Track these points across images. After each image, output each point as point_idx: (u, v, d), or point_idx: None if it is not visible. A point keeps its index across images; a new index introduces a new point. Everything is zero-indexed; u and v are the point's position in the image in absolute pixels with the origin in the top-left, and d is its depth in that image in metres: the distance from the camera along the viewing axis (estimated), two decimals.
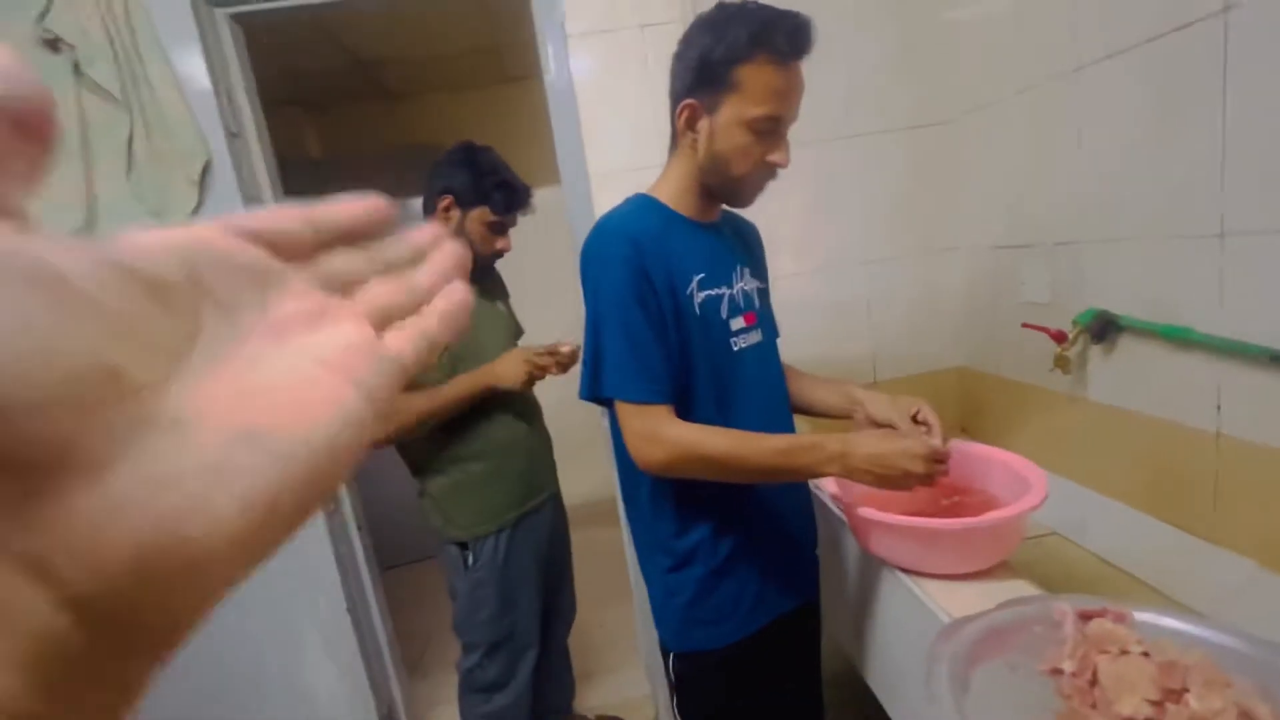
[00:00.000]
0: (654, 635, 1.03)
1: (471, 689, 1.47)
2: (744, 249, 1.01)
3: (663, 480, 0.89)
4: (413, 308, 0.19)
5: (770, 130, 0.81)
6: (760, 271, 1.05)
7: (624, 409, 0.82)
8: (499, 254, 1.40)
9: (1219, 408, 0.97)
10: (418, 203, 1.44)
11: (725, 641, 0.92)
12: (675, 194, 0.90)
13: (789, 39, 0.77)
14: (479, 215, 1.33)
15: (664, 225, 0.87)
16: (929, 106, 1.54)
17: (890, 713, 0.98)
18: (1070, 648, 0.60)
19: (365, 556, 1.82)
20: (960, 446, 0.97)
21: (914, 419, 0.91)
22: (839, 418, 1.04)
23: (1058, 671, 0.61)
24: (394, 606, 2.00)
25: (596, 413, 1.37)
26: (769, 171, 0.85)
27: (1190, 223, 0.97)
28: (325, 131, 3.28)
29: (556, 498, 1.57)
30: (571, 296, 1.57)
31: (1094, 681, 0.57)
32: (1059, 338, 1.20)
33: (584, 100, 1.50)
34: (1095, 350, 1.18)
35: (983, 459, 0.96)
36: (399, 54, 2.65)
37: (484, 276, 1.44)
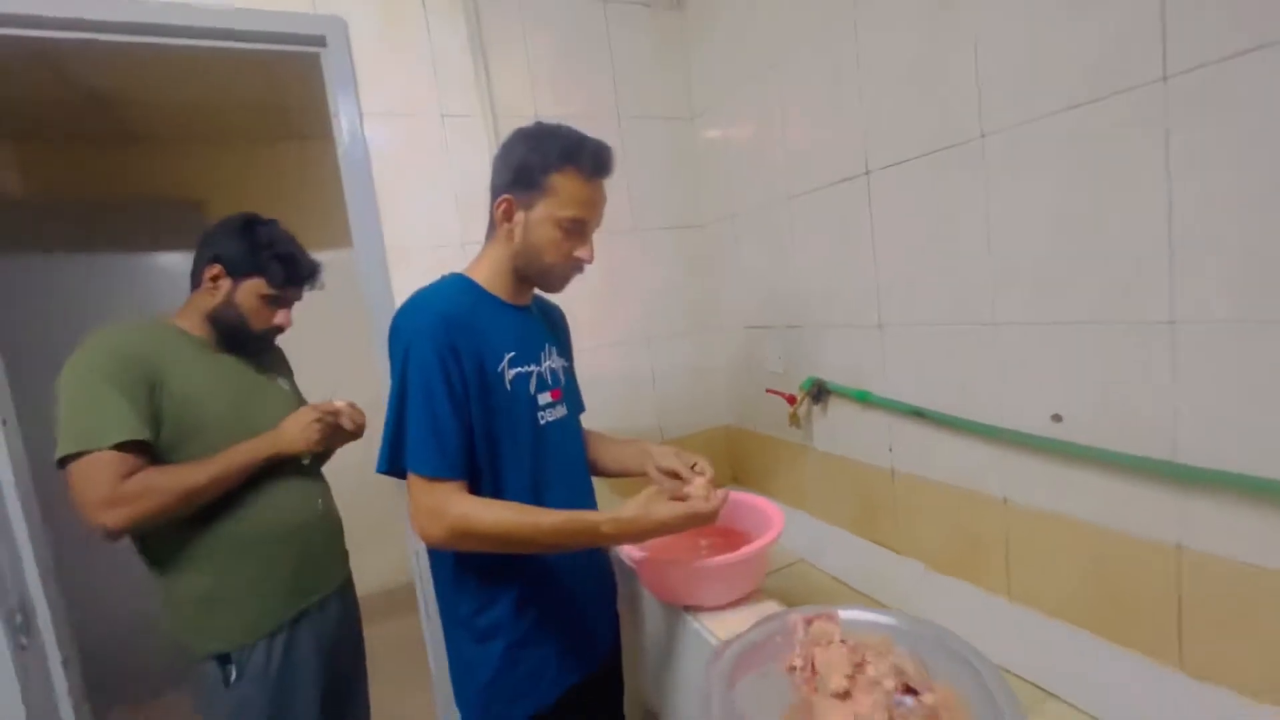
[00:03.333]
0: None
1: None
2: (551, 330, 1.13)
3: (467, 555, 0.92)
4: None
5: (577, 230, 0.95)
6: (566, 351, 1.17)
7: (416, 483, 0.85)
8: (277, 329, 1.30)
9: (890, 449, 1.34)
10: (147, 257, 1.28)
11: (529, 713, 0.95)
12: (490, 276, 0.98)
13: (593, 159, 0.94)
14: (253, 287, 1.21)
15: (476, 304, 0.94)
16: (691, 211, 1.88)
17: None
18: (799, 649, 0.78)
19: (73, 700, 1.43)
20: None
21: (693, 469, 1.09)
22: (637, 474, 1.18)
23: (792, 668, 0.78)
24: None
25: (393, 490, 1.32)
26: (576, 265, 0.99)
27: (864, 314, 1.34)
28: (37, 169, 2.68)
29: (346, 588, 1.42)
30: (364, 364, 1.54)
31: (814, 670, 0.75)
32: (791, 400, 1.52)
33: (380, 171, 1.52)
34: (815, 409, 1.53)
35: (734, 503, 1.17)
36: (146, 96, 2.34)
37: (260, 351, 1.32)
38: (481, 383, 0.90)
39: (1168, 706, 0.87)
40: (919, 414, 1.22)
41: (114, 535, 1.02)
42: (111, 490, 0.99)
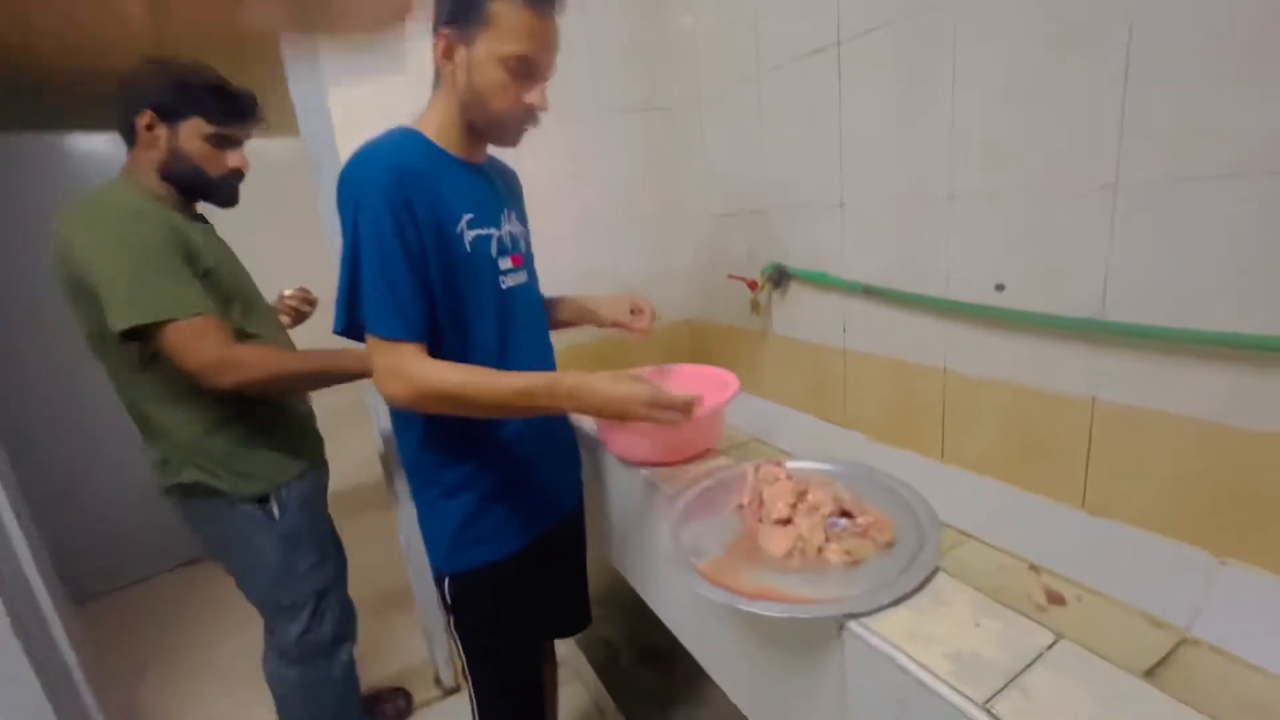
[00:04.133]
0: (429, 597, 1.08)
1: (313, 655, 1.34)
2: (509, 193, 1.09)
3: (432, 420, 0.94)
4: None
5: (525, 73, 0.88)
6: (524, 216, 1.14)
7: (374, 344, 0.84)
8: (236, 174, 1.23)
9: (844, 329, 1.39)
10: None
11: (495, 557, 1.01)
12: (440, 130, 0.93)
13: None
14: (193, 128, 1.13)
15: (430, 161, 0.89)
16: (658, 94, 1.80)
17: (645, 596, 1.20)
18: (748, 489, 0.84)
19: (51, 596, 1.45)
20: (678, 368, 1.21)
21: (632, 311, 1.13)
22: (581, 324, 1.24)
23: (740, 506, 0.84)
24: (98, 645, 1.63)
25: (358, 391, 1.34)
26: (528, 113, 0.93)
27: (827, 192, 1.34)
28: None
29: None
30: (316, 256, 1.48)
31: (760, 504, 0.81)
32: (752, 285, 1.54)
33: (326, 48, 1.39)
34: (775, 295, 1.56)
35: (695, 375, 1.21)
36: None
37: (227, 203, 1.25)
38: (440, 243, 0.87)
39: (1064, 537, 0.98)
40: (869, 291, 1.26)
41: (226, 393, 1.10)
42: (222, 353, 1.06)
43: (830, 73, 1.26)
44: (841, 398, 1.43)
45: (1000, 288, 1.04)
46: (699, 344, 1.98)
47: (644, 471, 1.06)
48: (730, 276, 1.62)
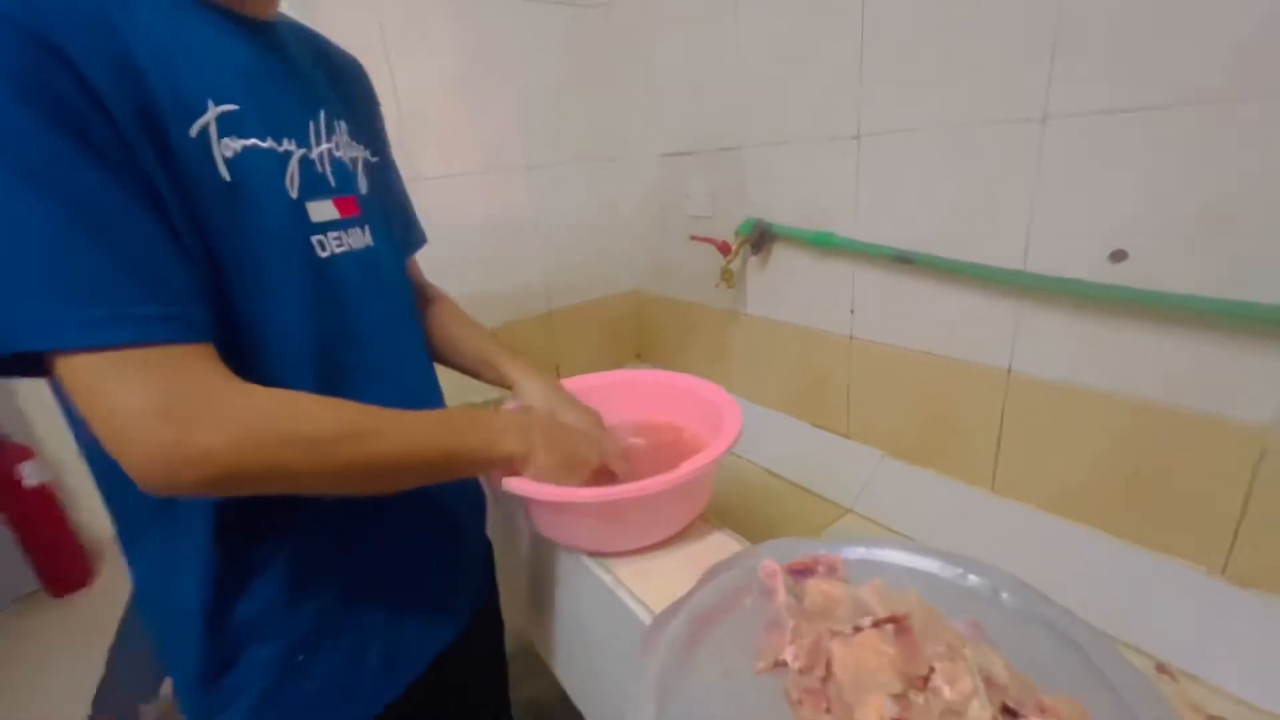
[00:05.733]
0: None
1: None
2: (334, 91, 0.61)
3: (199, 503, 0.47)
4: None
5: None
6: (369, 135, 0.66)
7: (103, 367, 0.36)
8: None
9: (852, 310, 1.02)
10: None
11: None
12: None
13: None
14: None
15: None
16: None
17: None
18: (792, 633, 0.45)
19: None
20: (627, 377, 0.80)
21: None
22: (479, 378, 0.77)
23: (781, 664, 0.45)
24: None
25: None
26: None
27: (835, 120, 0.94)
28: None
29: None
30: None
31: (828, 673, 0.42)
32: (724, 249, 1.14)
33: None
34: (753, 262, 1.16)
35: (658, 390, 0.80)
36: None
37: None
38: (152, 147, 0.40)
39: (968, 520, 0.88)
40: (905, 259, 0.89)
41: None
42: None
43: None
44: (844, 400, 1.07)
45: (1119, 257, 0.70)
46: (645, 324, 1.57)
47: (594, 566, 0.64)
48: (693, 238, 1.20)
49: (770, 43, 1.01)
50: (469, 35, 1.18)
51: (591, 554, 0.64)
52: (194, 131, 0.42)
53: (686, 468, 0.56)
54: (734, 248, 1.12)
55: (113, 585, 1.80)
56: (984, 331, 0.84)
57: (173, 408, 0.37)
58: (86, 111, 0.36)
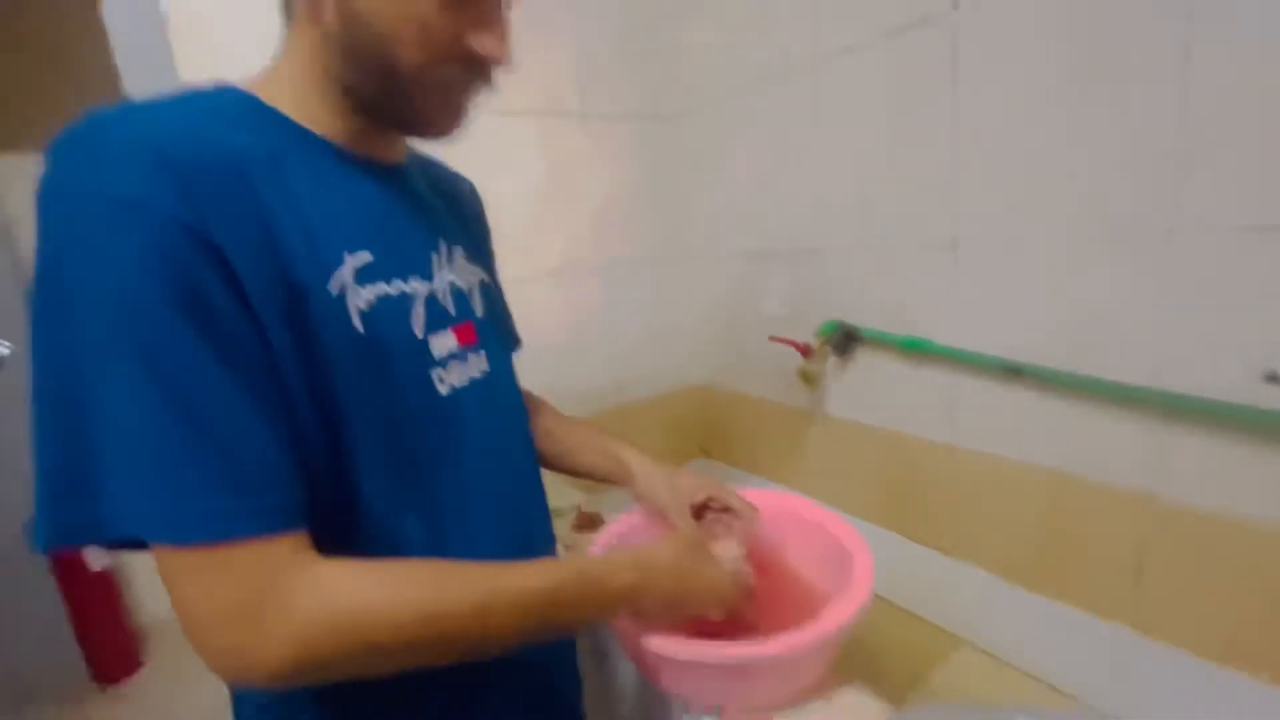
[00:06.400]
0: None
1: None
2: (455, 218, 0.62)
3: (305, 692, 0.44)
4: None
5: None
6: (482, 253, 0.67)
7: (178, 562, 0.35)
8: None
9: (953, 418, 0.96)
10: None
11: None
12: (297, 96, 0.46)
13: None
14: None
15: (272, 149, 0.42)
16: (660, 97, 1.38)
17: None
18: None
19: None
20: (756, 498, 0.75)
21: (704, 506, 0.66)
22: (603, 482, 0.74)
23: None
24: None
25: None
26: (470, 70, 0.47)
27: (928, 226, 0.93)
28: None
29: None
30: None
31: None
32: (805, 351, 1.11)
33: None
34: (834, 364, 1.13)
35: (771, 510, 0.75)
36: None
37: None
38: (292, 316, 0.40)
39: (1109, 660, 0.81)
40: (1016, 371, 0.84)
41: None
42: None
43: (938, 50, 0.87)
44: (946, 513, 1.00)
45: (1276, 378, 0.64)
46: (710, 417, 1.53)
47: None
48: (773, 339, 1.18)
49: (853, 149, 1.03)
50: (549, 154, 1.24)
51: (707, 712, 0.58)
52: (333, 290, 0.42)
53: (834, 621, 0.50)
54: (816, 349, 1.09)
55: (158, 675, 1.75)
56: (1114, 450, 0.78)
57: (241, 611, 0.35)
58: (222, 300, 0.36)
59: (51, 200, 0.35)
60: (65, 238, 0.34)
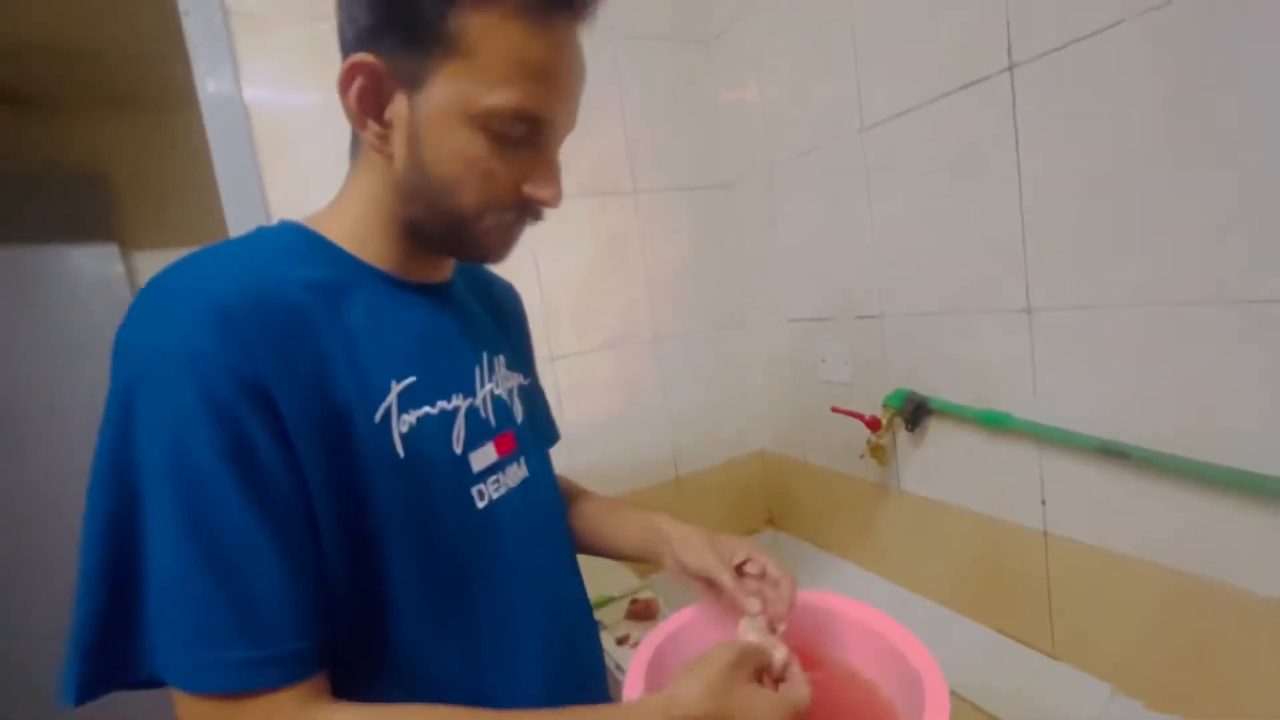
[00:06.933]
0: None
1: None
2: (496, 325, 0.64)
3: None
4: None
5: (525, 138, 0.46)
6: (522, 360, 0.68)
7: (190, 707, 0.37)
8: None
9: (1043, 501, 0.86)
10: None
11: None
12: (356, 230, 0.50)
13: None
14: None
15: (326, 288, 0.45)
16: (710, 166, 1.40)
17: None
18: None
19: None
20: (803, 597, 0.70)
21: (739, 569, 0.61)
22: (641, 560, 0.70)
23: None
24: None
25: None
26: (525, 210, 0.50)
27: (998, 291, 0.87)
28: None
29: None
30: None
31: None
32: (873, 425, 1.04)
33: (260, 120, 1.02)
34: (905, 437, 1.05)
35: (826, 611, 0.69)
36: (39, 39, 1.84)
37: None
38: (333, 450, 0.42)
39: None
40: (1116, 452, 0.75)
41: None
42: None
43: (997, 109, 0.82)
44: (1045, 609, 0.88)
45: None
46: (775, 484, 1.46)
47: None
48: (835, 410, 1.12)
49: (908, 213, 0.98)
50: (602, 229, 1.28)
51: None
52: (377, 418, 0.44)
53: None
54: (884, 423, 1.02)
55: None
56: (1243, 549, 0.66)
57: None
58: (264, 443, 0.38)
59: (123, 352, 0.39)
60: (133, 389, 0.38)
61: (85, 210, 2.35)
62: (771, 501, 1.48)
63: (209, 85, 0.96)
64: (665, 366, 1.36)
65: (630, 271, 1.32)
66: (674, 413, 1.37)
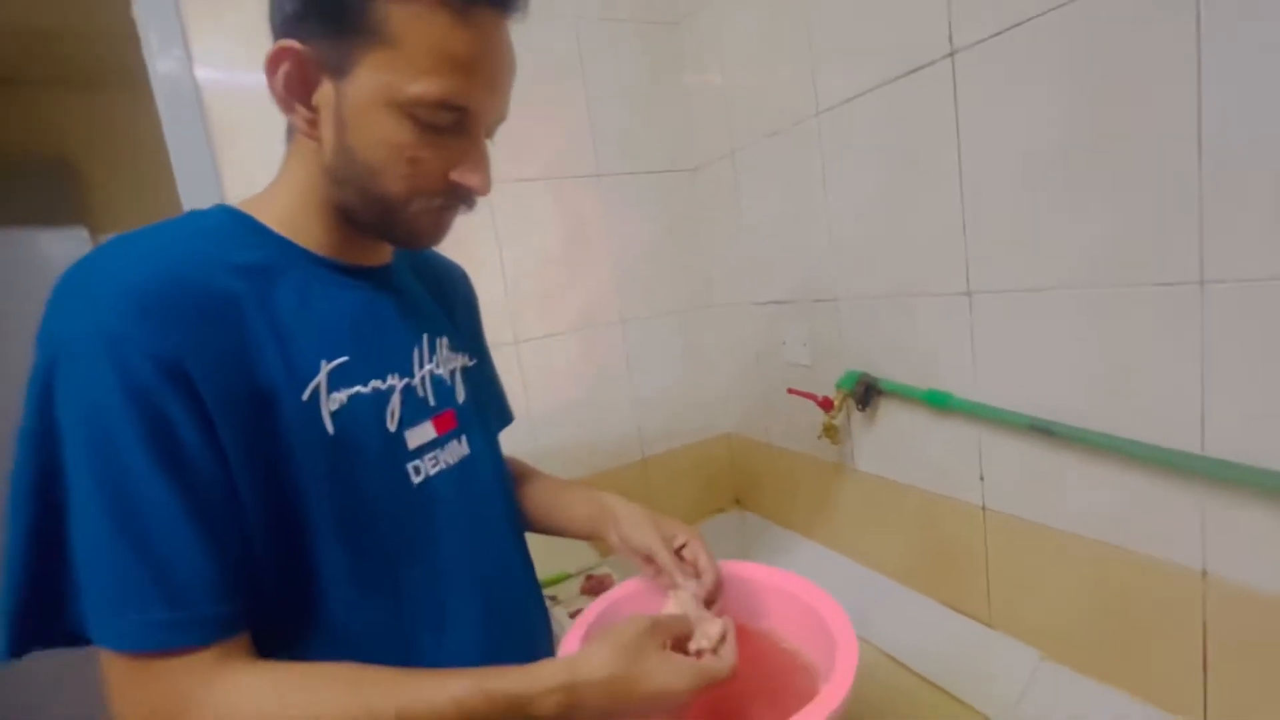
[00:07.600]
0: None
1: None
2: (440, 307, 0.66)
3: None
4: None
5: (452, 126, 0.46)
6: (469, 340, 0.69)
7: (117, 667, 0.39)
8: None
9: (981, 477, 0.89)
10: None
11: None
12: (288, 213, 0.51)
13: None
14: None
15: (268, 264, 0.47)
16: (673, 151, 1.40)
17: None
18: None
19: None
20: (724, 569, 0.72)
21: (679, 553, 0.64)
22: (589, 538, 0.73)
23: None
24: None
25: None
26: (454, 196, 0.51)
27: (942, 275, 0.89)
28: None
29: None
30: None
31: None
32: (826, 405, 1.07)
33: (214, 101, 1.01)
34: (858, 417, 1.08)
35: (753, 582, 0.71)
36: None
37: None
38: (258, 431, 0.43)
39: None
40: (1044, 430, 0.78)
41: None
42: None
43: (939, 92, 0.84)
44: (983, 580, 0.92)
45: None
46: (741, 465, 1.49)
47: None
48: (791, 392, 1.15)
49: (860, 198, 1.00)
50: (566, 214, 1.28)
51: None
52: (305, 396, 0.45)
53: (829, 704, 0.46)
54: (836, 404, 1.05)
55: None
56: (1162, 522, 0.69)
57: (163, 709, 0.39)
58: (184, 426, 0.40)
59: (44, 337, 0.40)
60: (53, 371, 0.39)
61: (54, 194, 2.32)
62: (738, 482, 1.51)
63: (159, 65, 0.95)
64: (632, 350, 1.38)
65: (595, 255, 1.32)
66: (641, 396, 1.39)
